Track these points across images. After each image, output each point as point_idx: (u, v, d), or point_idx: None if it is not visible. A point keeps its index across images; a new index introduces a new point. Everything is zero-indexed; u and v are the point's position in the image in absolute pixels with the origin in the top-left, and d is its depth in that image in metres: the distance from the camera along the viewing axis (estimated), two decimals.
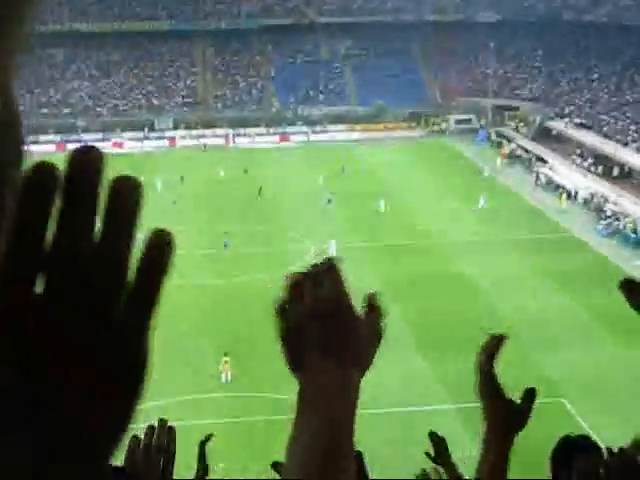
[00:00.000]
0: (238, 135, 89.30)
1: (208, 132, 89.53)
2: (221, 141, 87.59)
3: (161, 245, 0.98)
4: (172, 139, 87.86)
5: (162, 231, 0.98)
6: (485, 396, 2.54)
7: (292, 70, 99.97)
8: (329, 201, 62.94)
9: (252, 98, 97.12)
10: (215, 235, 55.59)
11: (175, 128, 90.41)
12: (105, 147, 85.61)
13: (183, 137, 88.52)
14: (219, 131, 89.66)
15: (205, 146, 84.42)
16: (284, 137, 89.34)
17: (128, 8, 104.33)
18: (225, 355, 35.82)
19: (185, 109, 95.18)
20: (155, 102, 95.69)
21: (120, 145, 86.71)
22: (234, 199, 64.79)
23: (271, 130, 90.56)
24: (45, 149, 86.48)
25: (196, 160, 77.51)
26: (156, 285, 1.04)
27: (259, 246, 52.99)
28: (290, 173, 72.66)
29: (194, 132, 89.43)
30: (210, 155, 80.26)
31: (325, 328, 1.63)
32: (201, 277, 48.16)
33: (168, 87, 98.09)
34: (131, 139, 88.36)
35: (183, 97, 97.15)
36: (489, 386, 2.44)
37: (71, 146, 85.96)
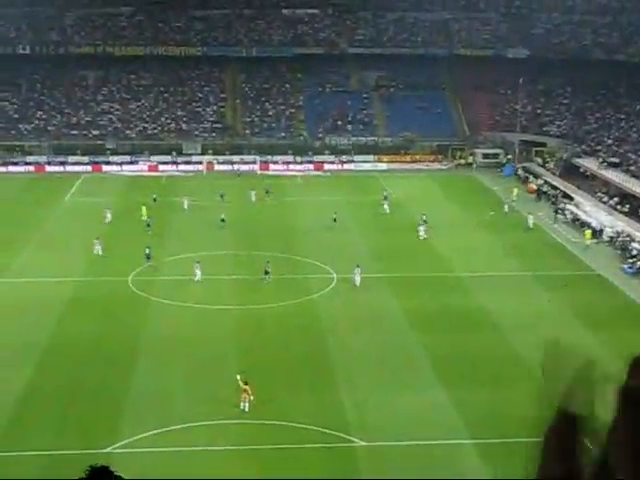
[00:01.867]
0: (273, 162, 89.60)
1: (237, 158, 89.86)
2: (255, 167, 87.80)
3: None
4: (209, 163, 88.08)
5: None
6: None
7: (321, 99, 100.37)
8: (334, 220, 63.72)
9: (281, 126, 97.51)
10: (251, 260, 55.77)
11: (203, 153, 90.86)
12: (141, 170, 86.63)
13: (218, 162, 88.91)
14: (248, 157, 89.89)
15: (239, 173, 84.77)
16: (319, 166, 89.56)
17: (161, 33, 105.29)
18: (245, 384, 35.07)
19: (213, 134, 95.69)
20: (184, 127, 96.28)
21: (155, 168, 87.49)
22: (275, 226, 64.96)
23: (298, 159, 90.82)
24: (74, 169, 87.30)
25: (232, 186, 77.78)
26: None
27: (289, 273, 52.94)
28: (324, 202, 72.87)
29: (226, 157, 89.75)
30: (245, 181, 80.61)
31: None
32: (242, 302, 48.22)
33: (197, 112, 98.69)
34: (162, 162, 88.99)
35: (212, 123, 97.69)
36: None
37: (106, 167, 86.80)
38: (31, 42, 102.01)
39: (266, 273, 51.15)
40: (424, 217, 63.91)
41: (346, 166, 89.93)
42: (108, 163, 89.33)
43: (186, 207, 69.99)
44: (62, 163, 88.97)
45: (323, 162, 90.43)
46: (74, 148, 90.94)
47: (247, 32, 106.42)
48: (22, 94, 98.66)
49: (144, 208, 66.36)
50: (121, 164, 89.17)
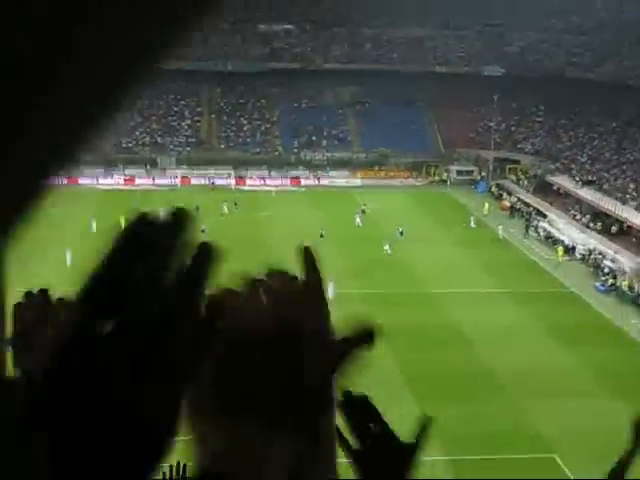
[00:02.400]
0: (250, 177, 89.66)
1: (212, 171, 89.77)
2: (230, 181, 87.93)
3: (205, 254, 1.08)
4: (185, 177, 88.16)
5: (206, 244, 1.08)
6: None
7: (296, 114, 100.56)
8: (321, 236, 63.48)
9: (255, 140, 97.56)
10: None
11: (177, 167, 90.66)
12: (117, 183, 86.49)
13: (193, 176, 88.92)
14: (223, 171, 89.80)
15: (214, 185, 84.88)
16: (296, 181, 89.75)
17: None
18: None
19: (188, 148, 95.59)
20: (159, 140, 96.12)
21: (131, 181, 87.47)
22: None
23: (273, 173, 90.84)
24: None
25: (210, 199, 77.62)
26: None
27: None
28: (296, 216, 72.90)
29: (201, 171, 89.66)
30: (219, 194, 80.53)
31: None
32: None
33: (172, 126, 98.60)
34: (140, 176, 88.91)
35: (187, 137, 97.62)
36: None
37: (82, 180, 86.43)
38: None
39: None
40: (400, 230, 65.51)
41: (321, 181, 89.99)
42: (83, 176, 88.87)
43: None
44: None
45: (299, 177, 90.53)
46: None
47: (223, 47, 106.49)
48: None
49: (123, 220, 66.42)
50: (97, 177, 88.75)
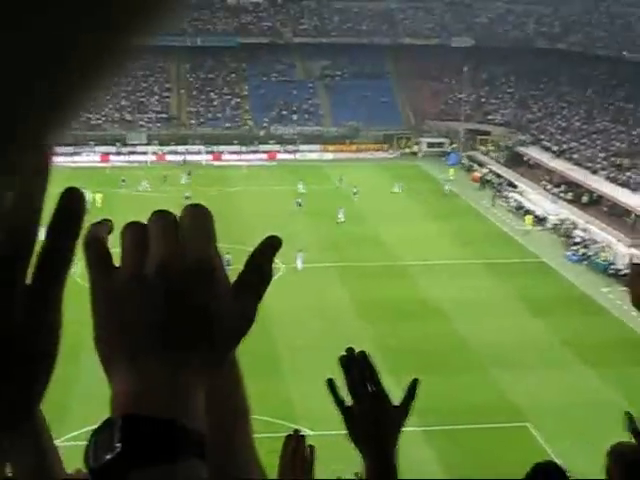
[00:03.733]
0: (226, 153, 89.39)
1: (182, 149, 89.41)
2: (205, 157, 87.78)
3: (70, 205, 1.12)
4: (159, 154, 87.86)
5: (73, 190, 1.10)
6: None
7: (266, 89, 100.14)
8: (299, 204, 66.19)
9: (226, 116, 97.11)
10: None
11: (148, 144, 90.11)
12: (93, 160, 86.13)
13: (163, 152, 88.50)
14: (193, 148, 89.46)
15: (184, 162, 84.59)
16: (272, 155, 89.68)
17: None
18: None
19: (158, 125, 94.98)
20: (128, 117, 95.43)
21: (106, 159, 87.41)
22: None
23: (244, 148, 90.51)
24: None
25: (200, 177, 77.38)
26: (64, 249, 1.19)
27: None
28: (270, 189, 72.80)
29: (172, 147, 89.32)
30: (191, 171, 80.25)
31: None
32: None
33: (142, 102, 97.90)
34: (112, 153, 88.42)
35: (157, 113, 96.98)
36: None
37: (56, 159, 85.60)
38: None
39: (227, 264, 50.94)
40: (355, 190, 70.34)
41: (291, 156, 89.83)
42: (59, 155, 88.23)
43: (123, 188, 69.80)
44: None
45: (276, 152, 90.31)
46: None
47: (191, 21, 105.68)
48: None
49: (99, 195, 67.47)
50: (72, 155, 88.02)
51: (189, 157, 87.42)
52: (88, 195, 68.75)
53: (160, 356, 1.19)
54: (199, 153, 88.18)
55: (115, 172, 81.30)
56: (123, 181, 75.93)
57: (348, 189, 73.37)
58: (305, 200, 68.35)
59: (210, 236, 1.34)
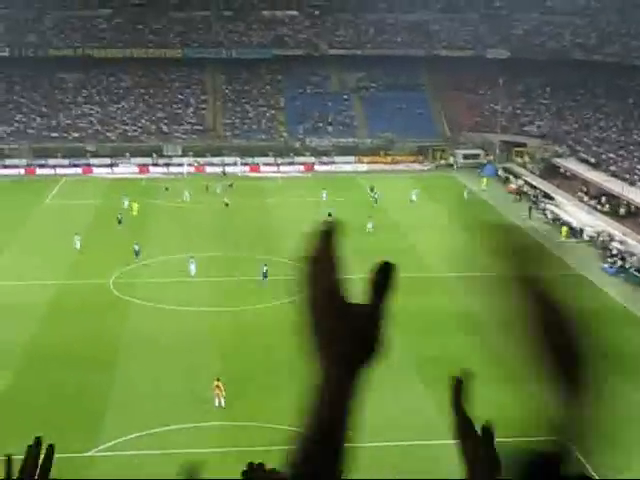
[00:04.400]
0: (265, 164, 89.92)
1: (217, 160, 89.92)
2: (243, 169, 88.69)
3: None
4: (198, 166, 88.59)
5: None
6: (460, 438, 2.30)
7: (302, 101, 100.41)
8: (329, 214, 65.02)
9: (261, 127, 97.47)
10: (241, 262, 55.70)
11: (183, 155, 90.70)
12: (132, 172, 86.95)
13: (199, 164, 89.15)
14: (231, 159, 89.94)
15: (224, 173, 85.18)
16: (309, 167, 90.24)
17: (140, 35, 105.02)
18: (217, 380, 35.54)
19: (194, 136, 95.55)
20: (164, 129, 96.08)
21: (145, 170, 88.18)
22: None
23: (279, 160, 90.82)
24: (52, 172, 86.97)
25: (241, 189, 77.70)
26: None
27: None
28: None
29: (207, 159, 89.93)
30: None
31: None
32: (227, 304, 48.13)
33: (178, 114, 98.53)
34: (148, 164, 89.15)
35: (192, 124, 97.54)
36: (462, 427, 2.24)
37: (97, 170, 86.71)
38: (10, 44, 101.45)
39: (264, 276, 50.95)
40: (375, 195, 72.39)
41: (327, 167, 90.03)
42: (96, 166, 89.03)
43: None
44: (42, 165, 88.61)
45: (312, 164, 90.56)
46: (54, 151, 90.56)
47: (227, 34, 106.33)
48: (1, 96, 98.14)
49: (136, 205, 68.44)
50: (110, 166, 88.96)
51: (217, 169, 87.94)
52: (126, 202, 69.95)
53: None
54: (235, 165, 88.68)
55: (151, 183, 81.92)
56: (166, 189, 76.90)
57: (380, 200, 73.44)
58: (336, 210, 68.44)
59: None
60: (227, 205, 71.85)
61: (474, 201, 76.45)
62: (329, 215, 66.48)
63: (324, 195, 74.08)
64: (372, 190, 75.51)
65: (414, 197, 74.90)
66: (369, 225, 63.47)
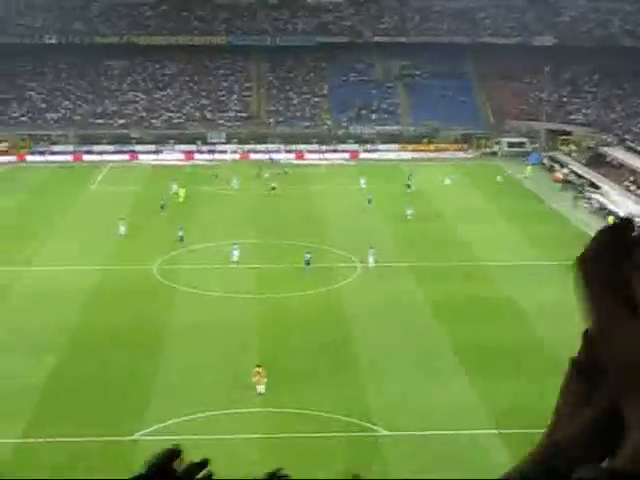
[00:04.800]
0: (310, 151, 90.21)
1: (261, 147, 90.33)
2: (289, 155, 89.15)
3: None
4: (244, 152, 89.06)
5: None
6: None
7: (345, 88, 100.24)
8: (369, 201, 67.21)
9: (305, 115, 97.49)
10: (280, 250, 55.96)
11: (227, 142, 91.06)
12: (177, 158, 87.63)
13: (243, 151, 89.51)
14: (274, 146, 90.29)
15: (272, 160, 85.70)
16: (354, 154, 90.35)
17: (185, 22, 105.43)
18: (258, 366, 35.61)
19: (238, 123, 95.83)
20: (208, 116, 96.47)
21: (191, 157, 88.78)
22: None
23: (322, 147, 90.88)
24: (97, 158, 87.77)
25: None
26: None
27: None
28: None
29: (251, 146, 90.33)
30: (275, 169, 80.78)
31: None
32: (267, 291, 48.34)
33: (222, 101, 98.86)
34: (192, 151, 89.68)
35: (236, 112, 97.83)
36: None
37: (142, 157, 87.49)
38: (57, 32, 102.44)
39: (307, 264, 50.91)
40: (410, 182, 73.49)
41: (371, 155, 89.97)
42: (141, 152, 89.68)
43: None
44: (89, 152, 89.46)
45: (356, 151, 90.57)
46: (100, 137, 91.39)
47: (272, 21, 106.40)
48: (48, 84, 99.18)
49: (183, 191, 69.11)
50: (155, 152, 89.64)
51: (263, 156, 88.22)
52: (175, 187, 70.70)
53: None
54: (278, 152, 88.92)
55: (195, 170, 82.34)
56: (216, 176, 77.32)
57: (415, 186, 73.31)
58: (377, 198, 68.51)
59: None
60: (274, 189, 72.51)
61: (508, 185, 76.18)
62: (369, 202, 66.68)
63: (362, 182, 74.49)
64: (409, 178, 75.50)
65: (448, 181, 75.63)
66: (408, 212, 63.35)
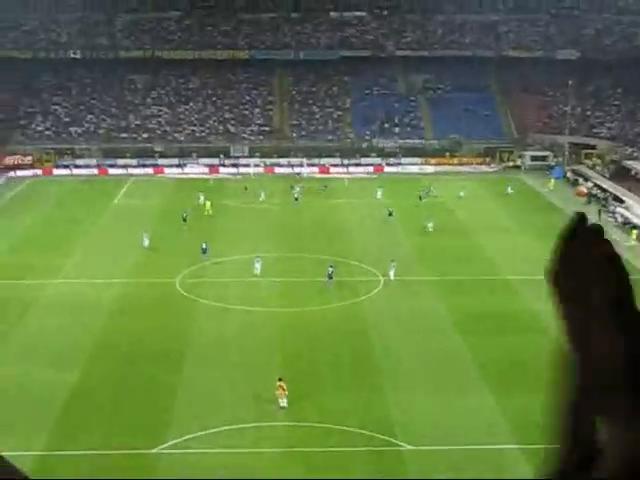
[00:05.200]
0: (332, 165, 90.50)
1: (284, 161, 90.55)
2: (313, 170, 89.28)
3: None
4: (268, 166, 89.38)
5: None
6: None
7: (368, 102, 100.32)
8: (390, 214, 67.10)
9: (327, 128, 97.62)
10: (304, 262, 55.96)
11: (250, 156, 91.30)
12: (202, 172, 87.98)
13: (265, 165, 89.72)
14: (295, 160, 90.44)
15: (299, 175, 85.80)
16: (379, 168, 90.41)
17: (209, 36, 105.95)
18: (279, 380, 35.59)
19: (261, 137, 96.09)
20: (231, 129, 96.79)
21: (217, 170, 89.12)
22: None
23: (345, 161, 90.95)
24: (122, 172, 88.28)
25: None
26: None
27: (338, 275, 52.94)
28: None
29: (276, 160, 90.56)
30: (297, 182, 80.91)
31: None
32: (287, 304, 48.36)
33: (245, 115, 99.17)
34: (215, 165, 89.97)
35: (259, 125, 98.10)
36: None
37: (167, 170, 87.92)
38: (82, 47, 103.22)
39: (330, 277, 50.82)
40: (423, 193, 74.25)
41: (395, 168, 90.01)
42: (165, 166, 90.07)
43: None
44: (112, 165, 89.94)
45: (380, 165, 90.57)
46: (123, 151, 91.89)
47: (295, 35, 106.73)
48: (73, 98, 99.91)
49: (208, 203, 69.66)
50: (178, 166, 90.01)
51: (291, 169, 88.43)
52: (202, 198, 71.26)
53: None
54: (301, 166, 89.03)
55: (219, 183, 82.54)
56: (245, 189, 78.02)
57: (443, 200, 73.30)
58: (398, 211, 68.58)
59: None
60: (297, 200, 73.73)
61: (530, 199, 76.08)
62: (390, 215, 66.66)
63: (379, 194, 75.48)
64: (426, 191, 76.15)
65: (462, 194, 75.82)
66: (429, 225, 63.35)
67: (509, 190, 77.81)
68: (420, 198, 73.71)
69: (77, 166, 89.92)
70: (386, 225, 65.48)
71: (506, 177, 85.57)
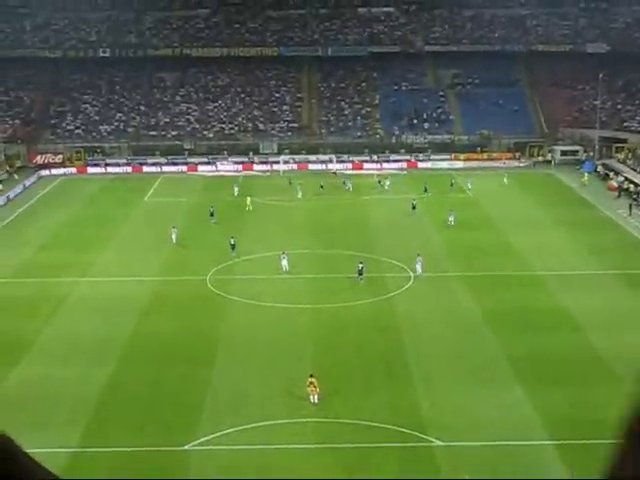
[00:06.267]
0: (363, 161, 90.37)
1: (313, 157, 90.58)
2: (347, 165, 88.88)
3: None
4: (301, 163, 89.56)
5: None
6: None
7: (397, 98, 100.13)
8: (413, 207, 67.76)
9: (356, 124, 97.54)
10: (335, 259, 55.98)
11: (279, 153, 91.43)
12: (236, 169, 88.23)
13: (295, 161, 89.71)
14: (323, 157, 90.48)
15: (335, 173, 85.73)
16: (413, 164, 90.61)
17: (237, 34, 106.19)
18: (311, 376, 35.56)
19: (289, 134, 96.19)
20: (260, 126, 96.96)
21: (250, 167, 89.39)
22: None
23: (374, 157, 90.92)
24: (154, 170, 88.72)
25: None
26: None
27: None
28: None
29: (305, 156, 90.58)
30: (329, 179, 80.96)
31: None
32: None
33: (274, 112, 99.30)
34: (245, 162, 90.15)
35: (288, 122, 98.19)
36: None
37: (201, 168, 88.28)
38: (111, 45, 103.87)
39: (360, 274, 50.80)
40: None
41: (425, 164, 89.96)
42: (195, 163, 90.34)
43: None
44: (142, 163, 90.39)
45: (412, 161, 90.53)
46: (152, 149, 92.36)
47: (323, 32, 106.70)
48: (102, 96, 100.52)
49: (249, 199, 70.27)
50: (208, 164, 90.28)
51: (320, 166, 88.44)
52: (236, 190, 71.98)
53: None
54: (330, 162, 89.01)
55: (250, 180, 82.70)
56: (290, 183, 78.76)
57: (474, 195, 73.16)
58: (431, 206, 68.60)
59: None
60: (322, 187, 76.76)
61: (562, 193, 75.76)
62: (413, 208, 66.68)
63: (387, 185, 77.91)
64: (452, 185, 77.84)
65: (470, 185, 76.78)
66: (450, 218, 63.47)
67: (505, 181, 79.38)
68: (426, 190, 74.93)
69: (107, 164, 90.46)
70: (411, 219, 65.64)
71: (538, 172, 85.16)
